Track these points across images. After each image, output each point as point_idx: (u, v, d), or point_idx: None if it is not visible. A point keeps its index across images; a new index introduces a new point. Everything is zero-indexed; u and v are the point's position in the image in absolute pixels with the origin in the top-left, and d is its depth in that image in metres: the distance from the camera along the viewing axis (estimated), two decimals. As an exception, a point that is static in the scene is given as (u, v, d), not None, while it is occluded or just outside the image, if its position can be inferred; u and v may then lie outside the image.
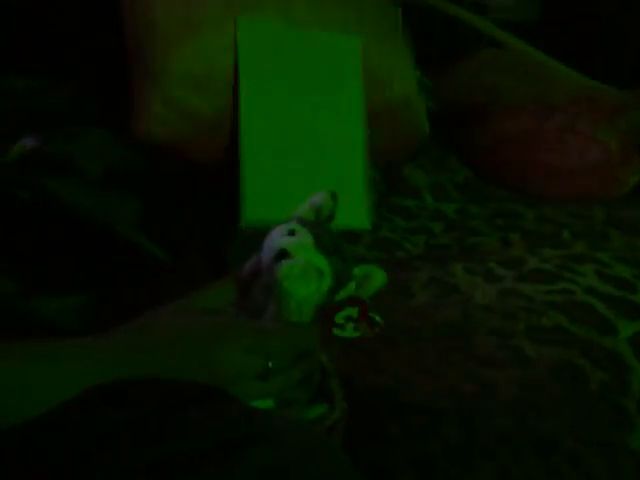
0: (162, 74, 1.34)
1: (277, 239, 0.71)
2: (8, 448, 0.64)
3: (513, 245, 1.41)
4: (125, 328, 0.71)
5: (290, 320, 0.71)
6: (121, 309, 0.76)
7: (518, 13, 2.38)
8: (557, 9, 2.41)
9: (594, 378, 1.06)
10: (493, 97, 1.72)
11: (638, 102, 1.69)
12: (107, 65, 1.41)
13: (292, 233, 0.71)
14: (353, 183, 1.40)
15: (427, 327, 1.11)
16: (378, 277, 0.72)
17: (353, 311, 0.72)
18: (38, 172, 1.04)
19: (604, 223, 1.51)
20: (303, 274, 0.69)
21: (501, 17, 2.27)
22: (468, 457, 0.89)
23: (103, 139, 1.17)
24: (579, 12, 2.41)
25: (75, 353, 0.68)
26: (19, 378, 0.65)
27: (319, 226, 0.72)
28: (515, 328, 1.11)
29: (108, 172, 1.10)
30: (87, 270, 0.95)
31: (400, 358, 1.02)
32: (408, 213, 1.53)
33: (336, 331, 0.72)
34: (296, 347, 0.71)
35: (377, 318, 0.73)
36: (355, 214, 1.39)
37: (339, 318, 0.72)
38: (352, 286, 0.72)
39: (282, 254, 0.69)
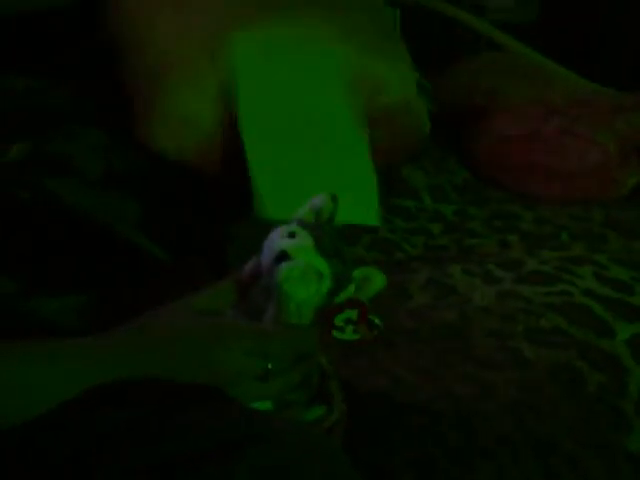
0: (162, 86, 1.35)
1: (277, 241, 0.71)
2: (8, 448, 0.64)
3: (512, 247, 1.42)
4: (125, 328, 0.71)
5: (290, 322, 0.71)
6: (121, 309, 0.76)
7: (516, 14, 2.38)
8: (555, 10, 2.41)
9: (592, 380, 1.06)
10: (492, 99, 1.72)
11: (637, 104, 1.69)
12: (107, 65, 1.41)
13: (292, 235, 0.71)
14: (362, 181, 1.40)
15: (425, 329, 1.11)
16: (377, 280, 0.73)
17: (352, 313, 0.72)
18: (38, 172, 1.04)
19: (602, 225, 1.51)
20: (303, 276, 0.69)
21: (499, 18, 2.27)
22: (467, 458, 0.89)
23: (103, 139, 1.17)
24: (577, 13, 2.41)
25: (75, 353, 0.68)
26: (19, 378, 0.65)
27: (319, 228, 0.72)
28: (513, 330, 1.11)
29: (108, 172, 1.11)
30: (87, 270, 0.95)
31: (399, 360, 1.02)
32: (407, 214, 1.53)
33: (336, 334, 0.72)
34: (295, 349, 0.71)
35: (376, 320, 0.73)
36: (365, 211, 1.39)
37: (338, 321, 0.72)
38: (352, 288, 0.72)
39: (282, 256, 0.69)
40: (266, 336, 0.71)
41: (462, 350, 1.06)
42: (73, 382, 0.66)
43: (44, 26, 1.40)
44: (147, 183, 1.15)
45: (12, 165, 1.04)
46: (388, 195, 1.54)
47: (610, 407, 1.05)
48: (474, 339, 1.09)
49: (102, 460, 0.63)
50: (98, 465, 0.63)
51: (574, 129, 1.63)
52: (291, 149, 1.37)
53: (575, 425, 0.99)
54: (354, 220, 1.36)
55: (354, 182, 1.39)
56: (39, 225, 0.97)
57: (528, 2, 2.42)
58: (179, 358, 0.69)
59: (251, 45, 1.38)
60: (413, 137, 1.59)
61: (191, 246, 1.10)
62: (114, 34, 1.44)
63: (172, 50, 1.37)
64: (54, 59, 1.35)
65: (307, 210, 0.74)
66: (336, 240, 0.72)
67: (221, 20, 1.39)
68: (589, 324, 1.16)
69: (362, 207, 1.39)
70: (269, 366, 0.69)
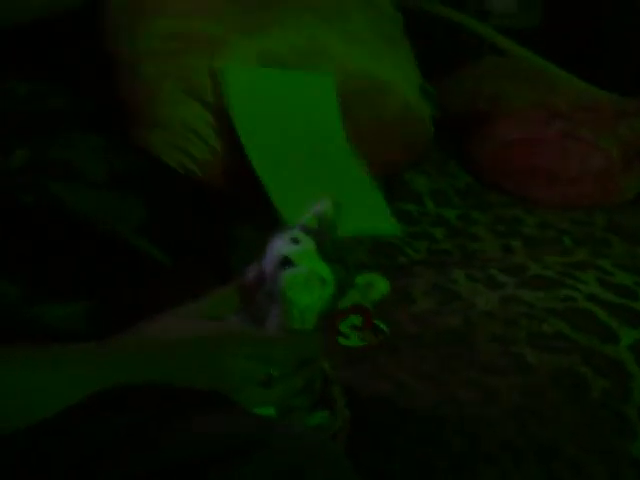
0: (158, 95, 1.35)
1: (280, 247, 0.71)
2: (11, 452, 0.64)
3: (514, 251, 1.42)
4: (128, 334, 0.71)
5: (293, 328, 0.71)
6: (125, 314, 0.76)
7: (520, 19, 2.38)
8: (558, 15, 2.41)
9: (595, 386, 1.06)
10: (495, 104, 1.72)
11: (639, 109, 1.70)
12: (107, 69, 1.41)
13: (295, 241, 0.71)
14: (371, 193, 1.41)
15: (429, 334, 1.11)
16: (381, 286, 0.73)
17: (357, 319, 0.72)
18: (41, 176, 1.04)
19: (605, 230, 1.51)
20: (306, 282, 0.69)
21: (503, 23, 2.27)
22: (470, 463, 0.89)
23: (105, 142, 1.17)
24: (580, 18, 2.41)
25: (77, 358, 0.68)
26: (20, 382, 0.65)
27: (322, 234, 0.72)
28: (516, 335, 1.11)
29: (110, 175, 1.11)
30: (90, 275, 0.95)
31: (402, 365, 1.02)
32: (409, 218, 1.53)
33: (341, 340, 0.72)
34: (299, 355, 0.71)
35: (382, 326, 0.73)
36: (383, 221, 1.40)
37: (343, 327, 0.72)
38: (355, 294, 0.72)
39: (285, 262, 0.70)
40: (269, 342, 0.71)
41: (465, 355, 1.06)
42: (75, 387, 0.66)
43: (45, 30, 1.40)
44: (149, 186, 1.15)
45: (15, 169, 1.04)
46: (390, 199, 1.55)
47: (614, 413, 1.04)
48: (478, 344, 1.09)
49: (103, 466, 0.63)
50: (99, 470, 0.63)
51: (577, 134, 1.63)
52: (295, 166, 1.38)
53: (578, 430, 0.98)
54: (375, 232, 1.37)
55: (363, 195, 1.40)
56: (42, 230, 0.97)
57: (531, 7, 2.42)
58: (183, 364, 0.69)
59: (240, 74, 1.38)
60: (417, 143, 1.59)
61: (192, 248, 1.10)
62: (111, 40, 1.44)
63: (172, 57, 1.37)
64: (55, 63, 1.35)
65: (310, 216, 0.74)
66: (339, 245, 0.73)
67: (220, 27, 1.39)
68: (593, 329, 1.16)
69: (379, 219, 1.39)
70: (272, 372, 0.69)
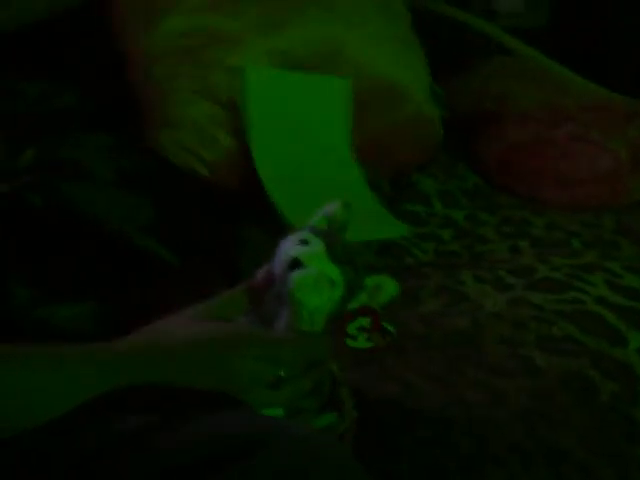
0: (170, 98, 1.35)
1: (289, 248, 0.71)
2: (15, 454, 0.64)
3: (522, 253, 1.41)
4: (137, 335, 0.71)
5: (302, 329, 0.71)
6: (132, 314, 0.76)
7: (527, 19, 2.37)
8: (566, 15, 2.40)
9: (605, 389, 1.06)
10: (503, 104, 1.71)
11: (648, 110, 1.69)
12: (118, 69, 1.41)
13: (305, 242, 0.71)
14: (371, 202, 1.41)
15: (437, 335, 1.11)
16: (390, 287, 0.72)
17: (365, 321, 0.72)
18: (51, 176, 1.04)
19: (614, 232, 1.50)
20: (315, 284, 0.69)
21: (510, 23, 2.27)
22: (478, 465, 0.89)
23: (114, 142, 1.17)
24: (588, 18, 2.41)
25: (79, 359, 0.68)
26: (21, 383, 0.65)
27: (331, 235, 0.72)
28: (525, 337, 1.11)
29: (119, 175, 1.11)
30: (98, 276, 0.95)
31: (410, 366, 1.02)
32: (417, 219, 1.52)
33: (349, 342, 0.72)
34: (307, 356, 0.71)
35: (390, 328, 0.73)
36: (389, 225, 1.40)
37: (352, 329, 0.72)
38: (364, 296, 0.72)
39: (295, 263, 0.69)
40: (278, 343, 0.71)
41: (473, 357, 1.06)
42: (76, 388, 0.66)
43: (54, 30, 1.40)
44: (158, 186, 1.15)
45: (25, 170, 1.04)
46: (397, 200, 1.54)
47: (623, 416, 1.04)
48: (486, 346, 1.09)
49: (108, 467, 0.63)
50: (104, 472, 0.63)
51: (585, 135, 1.62)
52: (298, 170, 1.38)
53: (587, 434, 0.98)
54: (383, 236, 1.37)
55: (365, 203, 1.40)
56: (50, 231, 0.97)
57: (538, 7, 2.42)
58: (191, 365, 0.69)
59: (260, 76, 1.37)
60: (428, 144, 1.58)
61: (200, 248, 1.10)
62: (123, 39, 1.44)
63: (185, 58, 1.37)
64: (64, 64, 1.35)
65: (320, 217, 0.74)
66: (348, 247, 0.72)
67: (236, 24, 1.38)
68: (601, 332, 1.15)
69: (384, 224, 1.39)
70: (281, 373, 0.69)
